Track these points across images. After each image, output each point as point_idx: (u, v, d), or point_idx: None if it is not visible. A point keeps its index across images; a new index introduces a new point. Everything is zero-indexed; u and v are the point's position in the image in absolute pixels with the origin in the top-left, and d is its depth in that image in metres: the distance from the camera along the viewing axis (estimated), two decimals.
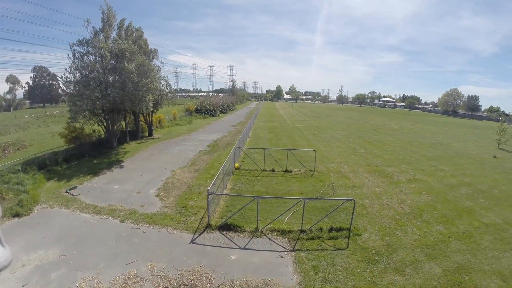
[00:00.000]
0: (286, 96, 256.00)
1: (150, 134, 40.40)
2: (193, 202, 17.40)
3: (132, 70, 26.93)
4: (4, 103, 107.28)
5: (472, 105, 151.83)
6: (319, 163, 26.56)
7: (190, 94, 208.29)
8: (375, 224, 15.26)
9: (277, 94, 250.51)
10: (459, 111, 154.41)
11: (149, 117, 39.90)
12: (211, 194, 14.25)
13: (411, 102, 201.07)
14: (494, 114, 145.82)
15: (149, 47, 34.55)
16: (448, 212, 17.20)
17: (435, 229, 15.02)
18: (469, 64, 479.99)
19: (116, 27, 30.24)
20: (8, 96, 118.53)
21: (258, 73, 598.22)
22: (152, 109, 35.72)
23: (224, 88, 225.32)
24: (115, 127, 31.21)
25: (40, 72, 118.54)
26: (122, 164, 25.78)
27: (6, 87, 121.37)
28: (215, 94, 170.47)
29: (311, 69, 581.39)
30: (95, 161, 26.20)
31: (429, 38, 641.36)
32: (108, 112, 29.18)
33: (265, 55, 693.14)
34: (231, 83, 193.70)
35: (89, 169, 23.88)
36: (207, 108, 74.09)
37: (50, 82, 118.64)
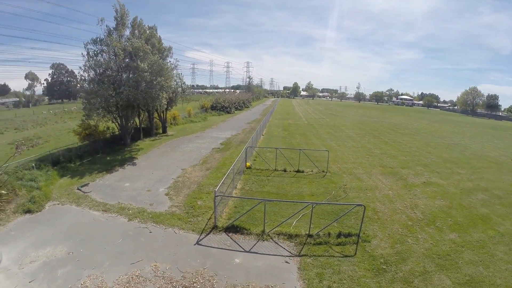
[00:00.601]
0: (302, 93, 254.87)
1: (164, 131, 40.68)
2: (201, 202, 17.35)
3: (145, 69, 27.07)
4: (24, 99, 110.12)
5: (492, 104, 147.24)
6: (332, 163, 26.19)
7: (207, 90, 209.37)
8: (386, 230, 14.85)
9: (293, 91, 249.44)
10: (478, 110, 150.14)
11: (163, 114, 40.18)
12: (218, 196, 14.14)
13: (429, 101, 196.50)
14: None
15: (163, 45, 34.64)
16: (462, 219, 16.61)
17: (447, 237, 14.50)
18: (489, 62, 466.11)
19: (129, 25, 30.46)
20: (27, 93, 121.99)
21: (275, 69, 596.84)
22: (166, 106, 35.98)
23: (241, 84, 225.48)
24: (129, 124, 31.50)
25: (58, 69, 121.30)
26: (135, 161, 26.01)
27: (25, 83, 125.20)
28: (232, 90, 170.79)
29: (328, 65, 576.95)
30: (108, 158, 26.53)
31: (449, 35, 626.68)
32: (122, 110, 29.47)
33: (282, 52, 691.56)
34: (248, 79, 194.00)
35: (101, 166, 24.17)
36: (222, 105, 74.19)
37: (68, 78, 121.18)
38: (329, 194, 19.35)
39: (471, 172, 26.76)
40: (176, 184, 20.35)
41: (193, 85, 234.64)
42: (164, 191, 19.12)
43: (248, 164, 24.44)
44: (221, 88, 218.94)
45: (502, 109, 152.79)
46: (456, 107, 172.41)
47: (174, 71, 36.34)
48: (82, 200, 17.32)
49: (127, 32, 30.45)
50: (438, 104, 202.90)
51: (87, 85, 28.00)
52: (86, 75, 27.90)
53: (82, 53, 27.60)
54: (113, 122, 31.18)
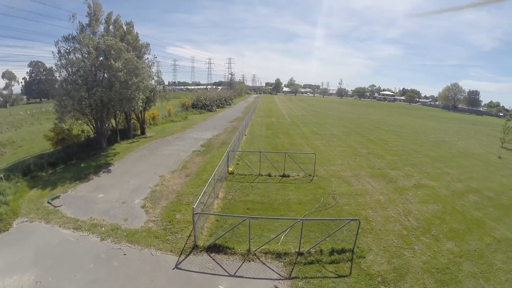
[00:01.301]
0: (285, 89, 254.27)
1: (143, 132, 38.80)
2: (180, 216, 15.94)
3: (120, 68, 25.31)
4: (1, 99, 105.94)
5: (473, 100, 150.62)
6: (319, 166, 25.12)
7: (189, 87, 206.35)
8: (381, 242, 13.92)
9: (276, 87, 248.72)
10: (459, 105, 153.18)
11: (141, 115, 38.25)
12: (196, 214, 12.78)
13: (411, 96, 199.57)
14: (494, 109, 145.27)
15: (140, 42, 32.80)
16: (457, 225, 15.91)
17: (445, 247, 13.73)
18: (470, 58, 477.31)
19: (103, 21, 28.60)
20: (4, 92, 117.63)
21: (258, 65, 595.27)
22: (142, 106, 33.91)
23: (223, 80, 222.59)
24: (105, 126, 29.62)
25: (36, 67, 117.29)
26: (110, 168, 24.27)
27: (2, 83, 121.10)
28: (214, 87, 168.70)
29: (311, 62, 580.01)
30: (82, 165, 24.68)
31: (430, 32, 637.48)
32: (97, 111, 27.61)
33: (265, 48, 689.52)
34: (230, 76, 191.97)
35: (75, 174, 22.41)
36: (203, 103, 72.30)
37: (47, 77, 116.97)
38: (317, 202, 18.26)
39: (460, 171, 26.32)
40: (154, 194, 18.86)
41: (174, 82, 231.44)
42: (140, 202, 17.64)
43: (230, 169, 23.11)
44: (203, 85, 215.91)
45: (483, 104, 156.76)
46: (437, 103, 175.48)
47: (154, 68, 34.65)
48: (52, 216, 15.73)
49: (101, 29, 28.58)
50: (420, 100, 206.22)
51: (59, 85, 26.12)
52: (58, 74, 26.12)
53: (52, 52, 25.75)
54: (87, 124, 29.34)
